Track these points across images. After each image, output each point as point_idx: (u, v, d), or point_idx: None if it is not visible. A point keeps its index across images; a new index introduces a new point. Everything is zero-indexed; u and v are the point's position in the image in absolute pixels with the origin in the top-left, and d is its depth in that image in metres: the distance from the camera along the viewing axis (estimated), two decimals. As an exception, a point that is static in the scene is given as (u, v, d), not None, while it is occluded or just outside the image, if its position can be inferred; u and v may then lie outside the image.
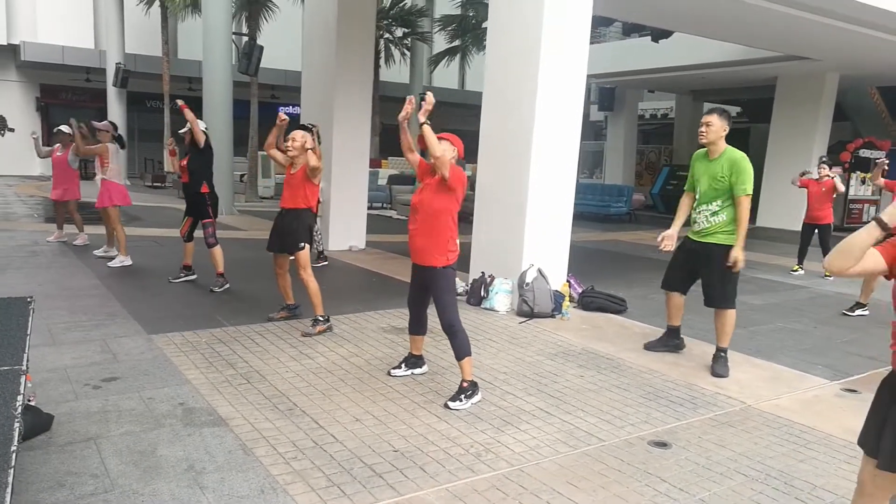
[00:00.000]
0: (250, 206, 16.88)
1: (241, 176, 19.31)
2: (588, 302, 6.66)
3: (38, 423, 3.39)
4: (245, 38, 15.70)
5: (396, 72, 26.88)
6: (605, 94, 20.83)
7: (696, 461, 3.48)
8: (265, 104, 22.99)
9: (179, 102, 6.85)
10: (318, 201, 8.59)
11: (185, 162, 6.99)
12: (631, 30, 12.53)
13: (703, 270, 4.91)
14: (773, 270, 10.18)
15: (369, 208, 17.16)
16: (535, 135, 6.25)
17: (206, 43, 13.89)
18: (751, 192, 4.70)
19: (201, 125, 6.97)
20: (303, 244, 5.47)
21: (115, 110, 21.57)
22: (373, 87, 25.06)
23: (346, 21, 9.47)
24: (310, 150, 5.38)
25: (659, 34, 12.97)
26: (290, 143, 5.39)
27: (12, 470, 1.83)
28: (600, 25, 18.07)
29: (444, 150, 4.13)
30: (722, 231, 4.79)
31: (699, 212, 4.88)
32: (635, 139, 22.84)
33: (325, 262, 8.56)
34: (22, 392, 2.31)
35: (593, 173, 23.60)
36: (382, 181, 17.96)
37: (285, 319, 5.76)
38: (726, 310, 4.88)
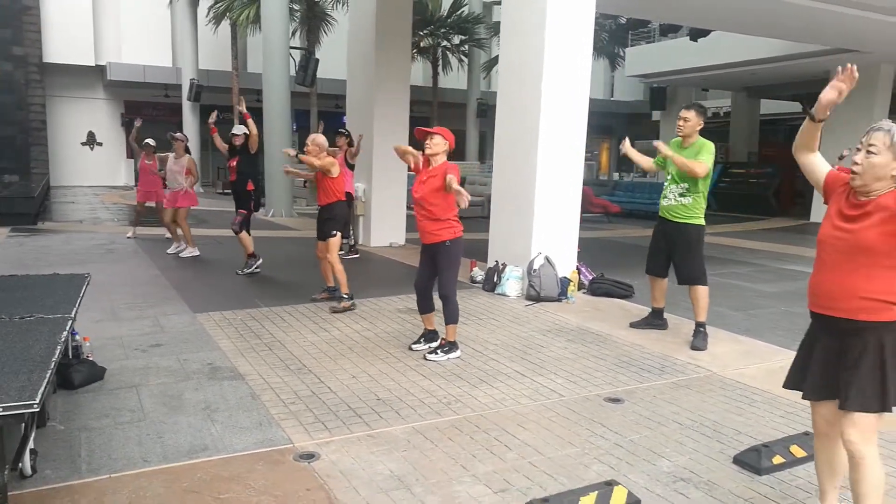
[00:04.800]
0: (310, 209, 17.90)
1: (305, 182, 20.40)
2: (596, 288, 7.10)
3: (93, 373, 4.19)
4: (302, 51, 16.73)
5: (455, 78, 27.68)
6: (658, 94, 20.90)
7: (640, 413, 3.94)
8: (329, 113, 24.12)
9: (243, 110, 7.64)
10: (353, 198, 9.41)
11: (234, 162, 7.87)
12: (668, 30, 12.74)
13: (675, 251, 5.33)
14: (806, 262, 10.22)
15: (410, 208, 18.00)
16: (541, 136, 6.76)
17: (265, 57, 14.96)
18: (707, 165, 5.07)
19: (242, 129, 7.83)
20: (335, 232, 6.26)
21: (190, 123, 23.16)
22: (432, 93, 25.74)
23: (383, 37, 10.23)
24: (321, 161, 6.13)
25: (697, 33, 13.16)
26: (307, 149, 6.18)
27: (51, 370, 2.57)
28: (634, 28, 18.22)
29: (437, 143, 4.79)
30: (691, 214, 5.22)
31: (670, 189, 5.32)
32: (689, 137, 22.73)
33: (356, 255, 9.29)
34: (67, 330, 3.07)
35: (647, 172, 23.60)
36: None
37: (327, 300, 6.46)
38: (698, 286, 5.28)
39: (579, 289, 7.09)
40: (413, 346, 5.11)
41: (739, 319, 6.29)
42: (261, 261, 7.90)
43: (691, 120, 5.22)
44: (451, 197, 4.79)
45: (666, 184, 5.45)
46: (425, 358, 4.79)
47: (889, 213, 2.31)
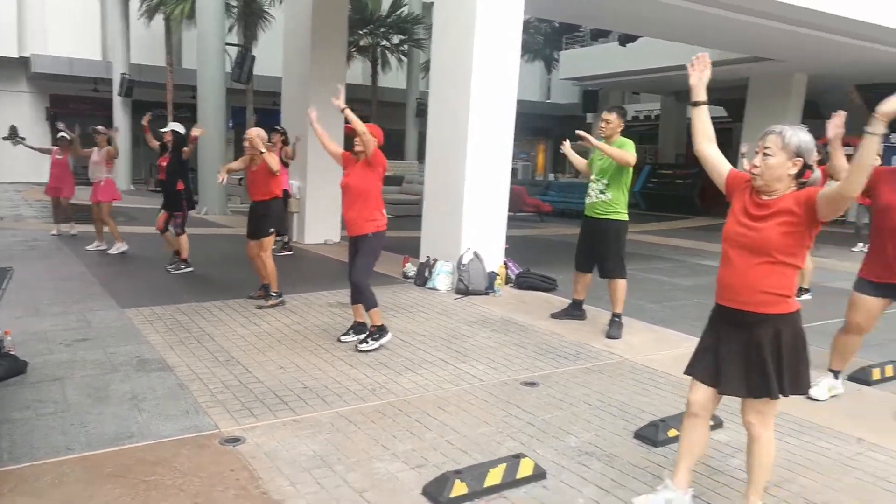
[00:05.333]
0: (244, 207, 17.68)
1: (240, 180, 20.15)
2: (521, 282, 7.38)
3: (14, 367, 4.17)
4: (238, 48, 16.55)
5: (394, 78, 27.77)
6: (590, 97, 21.53)
7: (553, 395, 4.20)
8: (265, 110, 23.85)
9: (196, 132, 7.69)
10: (289, 195, 9.46)
11: (164, 161, 7.81)
12: (598, 34, 13.21)
13: (598, 246, 5.63)
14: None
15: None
16: (471, 136, 7.00)
17: (200, 53, 14.76)
18: (631, 157, 5.38)
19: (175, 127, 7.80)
20: (271, 230, 6.31)
21: (121, 118, 22.53)
22: (372, 92, 25.76)
23: (320, 34, 10.28)
24: (265, 154, 6.17)
25: (626, 38, 13.69)
26: (246, 143, 6.20)
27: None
28: (568, 33, 18.77)
29: (367, 140, 4.93)
30: (612, 210, 5.53)
31: (592, 187, 5.62)
32: (619, 139, 23.53)
33: (290, 252, 9.34)
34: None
35: (579, 173, 24.28)
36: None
37: (263, 297, 6.48)
38: (618, 279, 5.60)
39: (506, 283, 7.35)
40: (342, 338, 5.23)
41: (655, 311, 6.67)
42: (192, 269, 7.81)
43: (613, 122, 5.53)
44: (374, 192, 4.96)
45: (588, 182, 5.74)
46: (357, 349, 4.92)
47: (790, 215, 2.50)
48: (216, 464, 3.12)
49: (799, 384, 2.60)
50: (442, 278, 7.14)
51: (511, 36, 7.16)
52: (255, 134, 6.23)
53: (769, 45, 13.75)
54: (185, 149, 7.80)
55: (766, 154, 2.55)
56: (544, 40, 23.39)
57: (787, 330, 2.56)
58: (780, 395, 2.58)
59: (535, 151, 33.03)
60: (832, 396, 4.25)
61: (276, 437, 3.44)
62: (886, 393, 4.49)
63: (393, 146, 5.16)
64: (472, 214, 7.15)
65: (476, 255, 7.04)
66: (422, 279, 7.32)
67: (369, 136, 4.87)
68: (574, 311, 6.07)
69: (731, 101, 21.33)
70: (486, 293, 6.95)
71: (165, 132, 7.81)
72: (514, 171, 24.91)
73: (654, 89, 22.78)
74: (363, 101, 26.83)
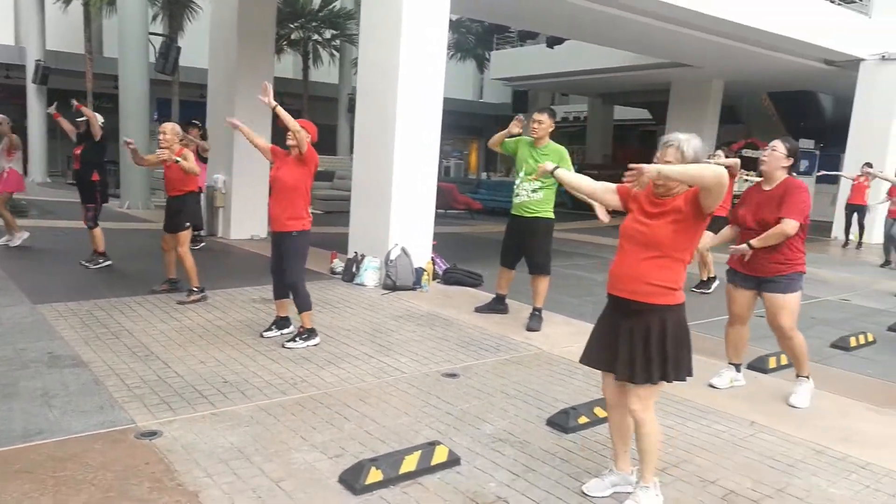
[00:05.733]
0: (170, 201, 17.21)
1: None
2: (448, 277, 7.52)
3: (-85, 364, 4.00)
4: (163, 38, 16.06)
5: (326, 73, 27.50)
6: (520, 97, 21.93)
7: (473, 386, 4.33)
8: (192, 103, 23.20)
9: (75, 103, 7.41)
10: (203, 190, 9.32)
11: (79, 150, 7.55)
12: (526, 36, 13.50)
13: (527, 244, 5.80)
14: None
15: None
16: (398, 132, 7.07)
17: (121, 41, 14.25)
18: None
19: (99, 119, 7.54)
20: (187, 224, 6.22)
21: (35, 107, 21.49)
22: (303, 86, 25.42)
23: (246, 25, 10.13)
24: (185, 155, 6.08)
25: (553, 40, 14.05)
26: (161, 137, 6.09)
27: None
28: (500, 33, 19.09)
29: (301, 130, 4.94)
30: (542, 209, 5.71)
31: (522, 187, 5.77)
32: (548, 140, 24.07)
33: (202, 245, 9.16)
34: None
35: (510, 172, 24.71)
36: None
37: (167, 292, 6.39)
38: (544, 276, 5.79)
39: (434, 278, 7.47)
40: (264, 334, 5.22)
41: (575, 305, 6.92)
42: (110, 263, 7.58)
43: (545, 122, 5.68)
44: (303, 189, 4.98)
45: (518, 182, 5.87)
46: (284, 346, 4.91)
47: (678, 213, 2.72)
48: (131, 457, 3.10)
49: (679, 371, 2.80)
50: (369, 274, 7.19)
51: (438, 32, 7.28)
52: (171, 129, 6.15)
53: (686, 51, 14.39)
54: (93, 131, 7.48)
55: (668, 164, 2.77)
56: (476, 40, 23.65)
57: (672, 320, 2.76)
58: (664, 381, 2.78)
59: (469, 150, 33.34)
60: (731, 387, 4.54)
61: (195, 430, 3.44)
62: (780, 380, 4.83)
63: (324, 141, 5.18)
64: (400, 210, 7.23)
65: (404, 250, 7.12)
66: (349, 275, 7.34)
67: (303, 133, 4.86)
68: (497, 305, 6.24)
69: (656, 103, 22.19)
70: (414, 289, 7.05)
71: (82, 121, 7.54)
72: (446, 170, 25.27)
73: (581, 91, 23.42)
74: (294, 95, 26.48)
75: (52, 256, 8.11)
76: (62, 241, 9.27)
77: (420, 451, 3.12)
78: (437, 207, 16.33)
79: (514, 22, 13.94)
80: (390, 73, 7.07)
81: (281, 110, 4.85)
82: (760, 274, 4.19)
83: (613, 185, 3.06)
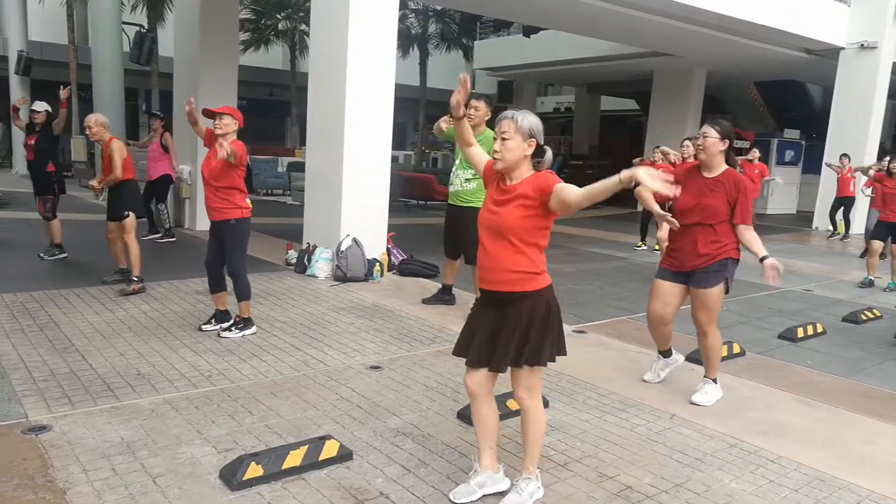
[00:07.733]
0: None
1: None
2: (404, 268, 7.42)
3: None
4: (137, 28, 15.90)
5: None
6: (505, 88, 21.75)
7: (394, 378, 4.24)
8: (172, 93, 23.04)
9: (62, 90, 7.30)
10: (172, 180, 9.25)
11: (32, 140, 7.45)
12: (501, 25, 13.34)
13: (462, 232, 5.70)
14: (619, 247, 11.11)
15: (268, 195, 17.61)
16: (348, 122, 6.97)
17: (94, 31, 14.18)
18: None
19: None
20: (127, 213, 6.14)
21: (17, 98, 21.31)
22: (291, 77, 25.12)
23: (210, 10, 9.98)
24: (114, 150, 6.01)
25: (529, 30, 13.88)
26: (88, 132, 6.04)
27: None
28: (476, 21, 18.89)
29: (227, 123, 4.84)
30: (476, 198, 5.60)
31: (457, 175, 5.69)
32: (532, 130, 23.94)
33: (172, 239, 9.07)
34: None
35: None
36: (282, 169, 18.43)
37: (119, 283, 6.29)
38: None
39: (389, 270, 7.37)
40: (203, 327, 5.13)
41: (528, 296, 6.82)
42: (65, 255, 7.49)
43: (481, 109, 5.59)
44: (238, 175, 4.89)
45: (454, 170, 5.81)
46: (219, 336, 4.86)
47: (525, 199, 2.64)
48: (10, 453, 3.01)
49: (551, 353, 2.73)
50: (321, 265, 7.09)
51: (387, 18, 7.16)
52: (94, 121, 6.07)
53: (667, 41, 14.23)
54: (55, 122, 7.43)
55: (504, 139, 2.67)
56: (459, 29, 23.43)
57: (541, 304, 2.69)
58: (541, 366, 2.72)
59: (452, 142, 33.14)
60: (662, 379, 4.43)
61: (87, 424, 3.35)
62: (721, 374, 4.72)
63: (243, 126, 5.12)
64: (352, 201, 7.12)
65: (355, 241, 7.02)
66: (301, 266, 7.25)
67: (236, 153, 4.76)
68: (444, 295, 6.15)
69: (643, 93, 22.01)
70: (366, 280, 6.95)
71: (39, 112, 7.45)
72: (433, 161, 25.10)
73: (566, 81, 23.25)
74: (283, 86, 26.34)
75: (7, 248, 8.01)
76: (19, 232, 9.17)
77: (307, 446, 3.03)
78: (416, 198, 16.31)
79: (488, 11, 13.76)
80: (340, 63, 6.96)
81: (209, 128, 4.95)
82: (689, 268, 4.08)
83: (487, 158, 2.89)
